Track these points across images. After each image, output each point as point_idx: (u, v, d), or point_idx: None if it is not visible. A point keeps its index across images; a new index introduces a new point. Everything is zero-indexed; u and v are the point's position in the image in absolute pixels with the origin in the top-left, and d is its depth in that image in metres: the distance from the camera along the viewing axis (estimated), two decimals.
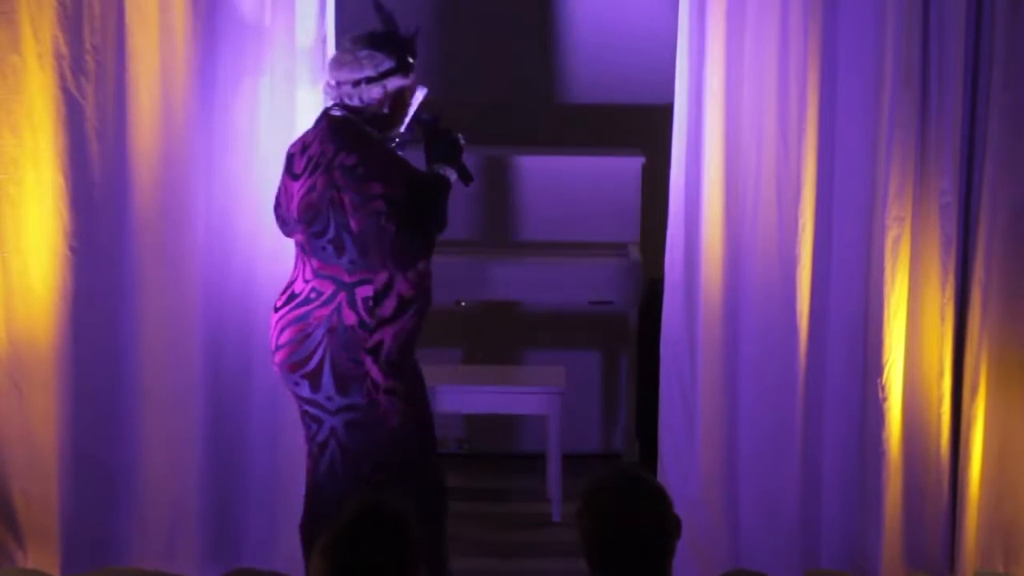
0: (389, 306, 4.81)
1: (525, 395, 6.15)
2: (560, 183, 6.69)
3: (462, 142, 4.95)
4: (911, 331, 5.38)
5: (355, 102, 4.84)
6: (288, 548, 5.35)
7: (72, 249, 5.29)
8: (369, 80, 4.82)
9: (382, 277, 4.80)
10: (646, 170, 6.69)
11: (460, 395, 6.10)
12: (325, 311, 4.81)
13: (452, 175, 4.92)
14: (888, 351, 5.35)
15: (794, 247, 5.34)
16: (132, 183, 5.29)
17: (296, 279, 4.90)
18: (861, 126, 5.33)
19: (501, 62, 7.00)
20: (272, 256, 5.32)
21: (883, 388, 5.35)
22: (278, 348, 4.89)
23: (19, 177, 5.28)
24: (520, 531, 6.00)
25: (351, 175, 4.74)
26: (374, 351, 4.80)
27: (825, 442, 5.45)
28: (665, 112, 5.50)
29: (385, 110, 4.85)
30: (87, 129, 5.27)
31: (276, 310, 4.92)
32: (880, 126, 5.30)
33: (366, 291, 4.79)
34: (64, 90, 5.24)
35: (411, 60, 4.87)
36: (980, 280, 5.35)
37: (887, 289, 5.33)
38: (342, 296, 4.80)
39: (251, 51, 5.26)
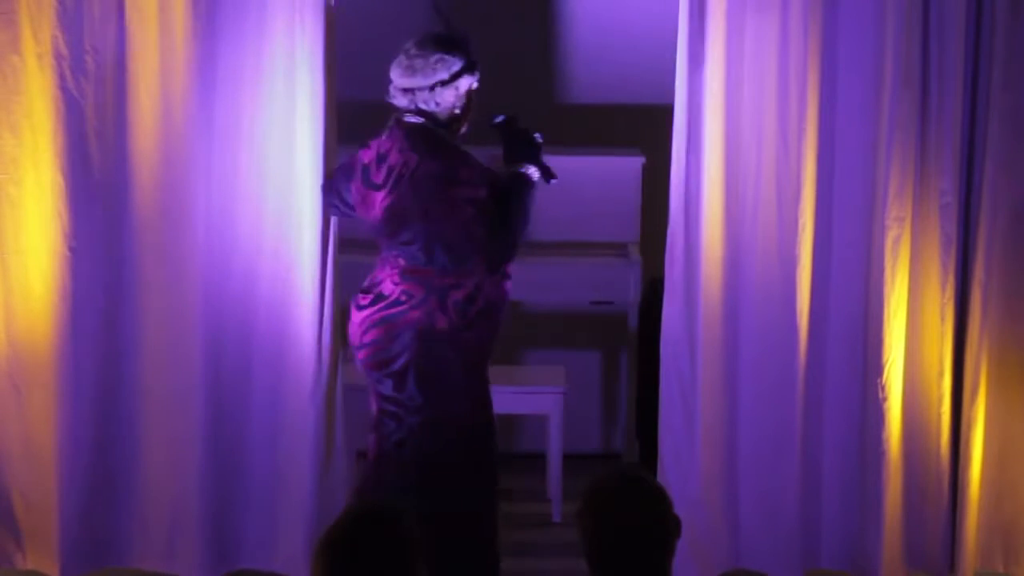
0: (478, 309, 4.86)
1: (525, 395, 6.15)
2: (560, 183, 6.68)
3: (540, 140, 4.98)
4: (911, 331, 5.38)
5: (431, 106, 4.90)
6: (288, 549, 5.35)
7: (72, 249, 5.29)
8: (443, 83, 4.88)
9: (472, 281, 4.85)
10: (646, 170, 6.69)
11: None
12: (416, 314, 4.86)
13: (535, 174, 4.94)
14: (888, 351, 5.35)
15: (794, 247, 5.34)
16: (132, 183, 5.29)
17: (383, 280, 4.94)
18: (861, 126, 5.33)
19: (501, 62, 7.00)
20: (273, 255, 5.32)
21: (883, 388, 5.36)
22: (362, 347, 4.95)
23: (19, 177, 5.28)
24: (520, 531, 6.00)
25: (437, 184, 4.79)
26: (463, 353, 4.86)
27: (825, 442, 5.45)
28: (665, 112, 5.49)
29: (457, 111, 4.92)
30: (87, 129, 5.27)
31: (360, 308, 4.97)
32: (880, 126, 5.30)
33: (457, 295, 4.84)
34: (64, 90, 5.24)
35: (474, 59, 4.94)
36: (980, 280, 5.35)
37: (887, 289, 5.33)
38: (433, 300, 4.85)
39: (251, 51, 5.26)
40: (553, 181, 5.04)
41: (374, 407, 5.02)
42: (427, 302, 4.85)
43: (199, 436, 5.34)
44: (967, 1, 5.25)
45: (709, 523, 5.43)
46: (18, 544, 5.42)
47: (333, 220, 5.31)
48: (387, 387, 4.92)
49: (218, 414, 5.37)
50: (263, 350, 5.35)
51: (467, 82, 4.93)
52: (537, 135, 4.99)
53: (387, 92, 4.98)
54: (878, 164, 5.31)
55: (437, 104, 4.90)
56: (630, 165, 6.72)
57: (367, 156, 4.99)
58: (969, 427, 5.40)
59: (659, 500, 3.35)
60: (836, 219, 5.38)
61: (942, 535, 5.46)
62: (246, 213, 5.32)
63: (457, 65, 4.90)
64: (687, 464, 5.43)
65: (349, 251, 5.82)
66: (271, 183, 5.29)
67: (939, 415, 5.42)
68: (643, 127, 6.77)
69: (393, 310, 4.89)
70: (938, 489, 5.44)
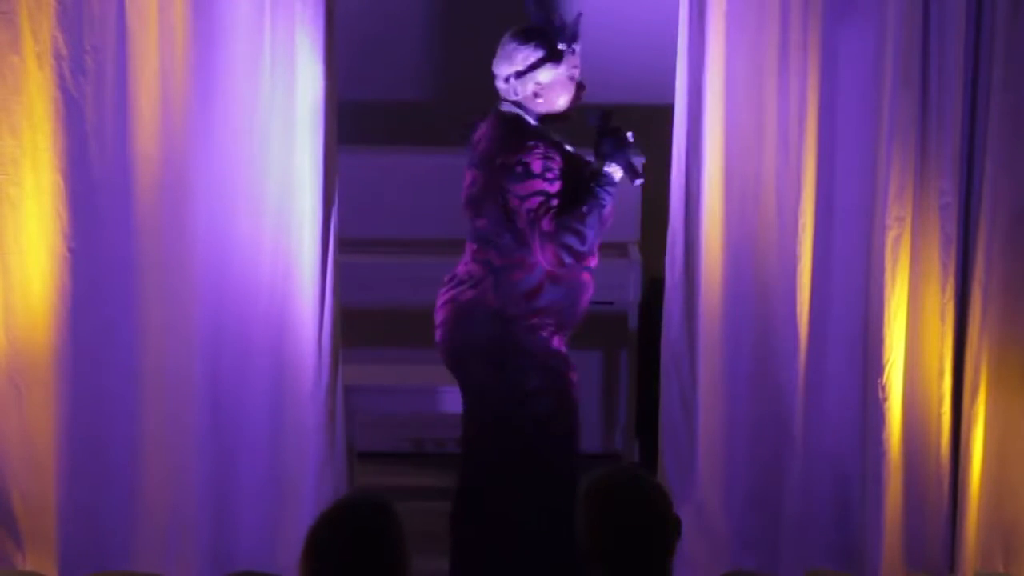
0: (539, 294, 4.88)
1: None
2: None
3: (631, 139, 4.96)
4: (911, 331, 5.38)
5: (514, 95, 4.93)
6: (288, 550, 5.34)
7: (71, 250, 5.29)
8: (519, 74, 4.90)
9: (534, 266, 4.86)
10: (646, 170, 6.67)
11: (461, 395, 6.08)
12: (471, 293, 4.90)
13: (617, 173, 4.91)
14: (888, 351, 5.35)
15: (794, 247, 5.34)
16: (132, 183, 5.29)
17: (461, 262, 5.00)
18: (861, 126, 5.33)
19: None
20: (272, 255, 5.32)
21: (883, 388, 5.36)
22: (437, 327, 4.99)
23: (19, 178, 5.28)
24: None
25: (510, 174, 4.82)
26: (518, 335, 4.88)
27: (825, 442, 5.45)
28: (665, 112, 5.49)
29: (540, 101, 4.92)
30: (87, 129, 5.26)
31: (441, 289, 5.05)
32: (880, 126, 5.30)
33: (515, 276, 4.86)
34: (63, 90, 5.23)
35: (565, 48, 4.93)
36: (980, 280, 5.35)
37: (887, 289, 5.33)
38: (490, 280, 4.88)
39: (251, 51, 5.26)
40: (638, 182, 5.04)
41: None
42: (483, 282, 4.89)
43: (199, 436, 5.34)
44: (967, 1, 5.25)
45: (709, 523, 5.43)
46: (18, 545, 5.42)
47: (333, 220, 5.32)
48: (455, 369, 4.99)
49: (218, 414, 5.37)
50: (263, 350, 5.35)
51: (548, 73, 4.92)
52: (629, 134, 4.99)
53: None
54: (878, 164, 5.31)
55: (517, 94, 4.93)
56: None
57: (475, 136, 5.04)
58: (969, 427, 5.40)
59: (659, 500, 3.35)
60: (836, 219, 5.38)
61: (942, 535, 5.46)
62: (246, 213, 5.32)
63: (534, 57, 4.91)
64: (687, 464, 5.43)
65: (349, 251, 5.82)
66: (271, 183, 5.29)
67: (939, 415, 5.42)
68: (643, 127, 6.76)
69: (456, 290, 4.94)
70: (938, 489, 5.44)
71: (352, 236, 5.82)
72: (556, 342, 4.95)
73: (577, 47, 4.99)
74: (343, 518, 3.16)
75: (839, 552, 5.48)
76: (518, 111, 4.93)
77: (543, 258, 4.81)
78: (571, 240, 4.81)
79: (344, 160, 5.49)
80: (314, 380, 5.33)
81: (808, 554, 5.47)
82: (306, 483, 5.36)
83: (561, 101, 4.95)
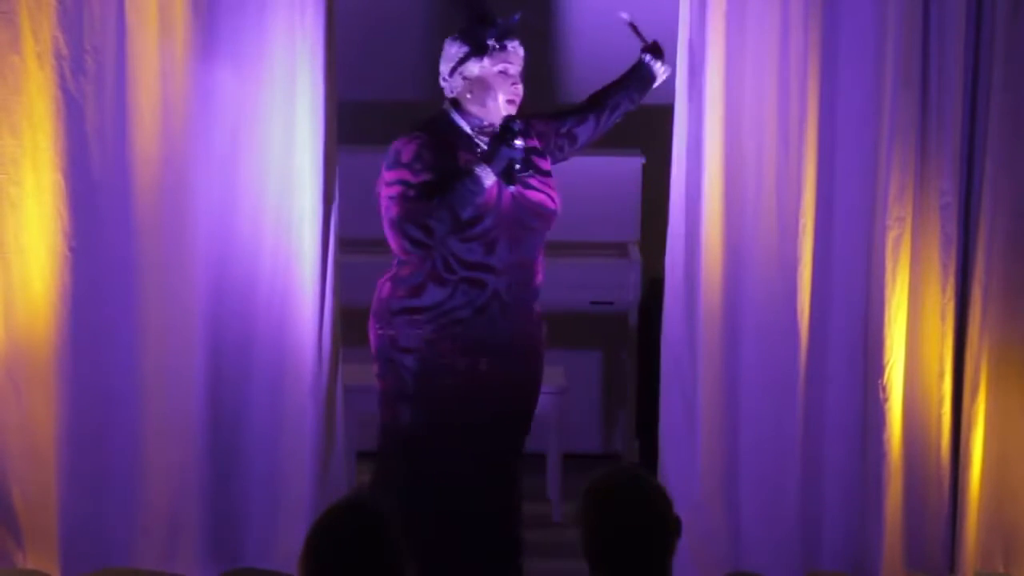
0: (420, 293, 4.84)
1: None
2: (560, 183, 6.68)
3: (519, 145, 4.81)
4: (911, 331, 5.38)
5: (451, 93, 4.93)
6: (287, 549, 5.34)
7: (72, 249, 5.29)
8: (451, 71, 4.91)
9: (422, 262, 4.83)
10: (646, 170, 6.68)
11: None
12: (380, 281, 4.95)
13: (488, 177, 4.80)
14: (889, 351, 5.35)
15: (794, 247, 5.34)
16: (132, 183, 5.29)
17: None
18: (861, 126, 5.33)
19: None
20: (273, 255, 5.32)
21: (884, 388, 5.36)
22: None
23: (19, 177, 5.28)
24: None
25: (386, 161, 4.82)
26: (397, 327, 4.86)
27: (825, 442, 5.44)
28: (665, 112, 5.49)
29: (468, 96, 4.90)
30: (87, 129, 5.27)
31: None
32: (880, 126, 5.30)
33: (403, 272, 4.87)
34: (64, 90, 5.24)
35: (493, 43, 4.87)
36: (980, 280, 5.35)
37: (888, 289, 5.33)
38: (392, 271, 4.91)
39: (251, 51, 5.26)
40: (511, 189, 4.88)
41: None
42: (389, 272, 4.92)
43: (199, 436, 5.35)
44: (967, 1, 5.25)
45: (709, 524, 5.43)
46: (18, 543, 5.43)
47: (333, 220, 5.32)
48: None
49: (218, 414, 5.37)
50: (263, 350, 5.35)
51: (473, 69, 4.89)
52: (519, 142, 4.82)
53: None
54: (878, 164, 5.31)
55: (452, 90, 4.93)
56: (630, 165, 6.72)
57: None
58: (969, 427, 5.40)
59: (659, 499, 3.35)
60: (836, 219, 5.38)
61: (942, 535, 5.46)
62: (246, 213, 5.32)
63: (461, 52, 4.90)
64: (687, 464, 5.43)
65: (349, 251, 5.82)
66: (271, 183, 5.29)
67: (939, 415, 5.42)
68: (643, 127, 6.76)
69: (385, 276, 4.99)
70: (938, 490, 5.44)
71: (352, 236, 5.81)
72: (444, 346, 4.87)
73: (512, 45, 4.91)
74: (343, 518, 3.16)
75: (839, 553, 5.48)
76: (450, 109, 4.92)
77: (392, 245, 4.82)
78: (415, 232, 4.76)
79: (344, 160, 5.49)
80: (314, 380, 5.33)
81: (808, 554, 5.47)
82: (306, 482, 5.36)
83: (494, 98, 4.89)
